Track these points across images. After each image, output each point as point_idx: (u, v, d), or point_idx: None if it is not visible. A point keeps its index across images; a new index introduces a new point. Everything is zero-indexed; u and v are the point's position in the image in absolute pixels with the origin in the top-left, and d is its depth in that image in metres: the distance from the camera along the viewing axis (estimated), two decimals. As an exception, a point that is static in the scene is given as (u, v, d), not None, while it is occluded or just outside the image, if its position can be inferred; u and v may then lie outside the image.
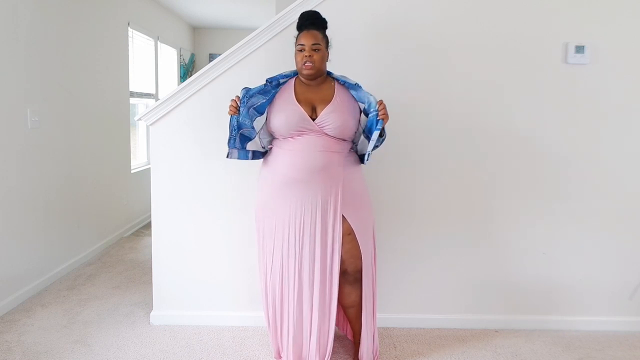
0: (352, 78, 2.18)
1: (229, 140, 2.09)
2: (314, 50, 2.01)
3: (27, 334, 2.50)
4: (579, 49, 2.46)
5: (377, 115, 1.98)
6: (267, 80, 2.09)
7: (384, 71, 2.49)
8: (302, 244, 2.04)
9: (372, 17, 2.46)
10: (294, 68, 2.16)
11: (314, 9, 2.21)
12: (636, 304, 2.64)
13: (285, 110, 2.03)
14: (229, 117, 2.07)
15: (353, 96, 2.08)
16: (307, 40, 2.01)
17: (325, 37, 2.08)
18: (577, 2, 2.47)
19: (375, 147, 2.04)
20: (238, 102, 2.05)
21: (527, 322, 2.63)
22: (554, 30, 2.48)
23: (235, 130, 2.07)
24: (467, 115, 2.52)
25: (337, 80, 2.11)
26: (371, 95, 2.05)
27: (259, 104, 2.06)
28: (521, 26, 2.48)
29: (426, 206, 2.57)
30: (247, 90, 2.08)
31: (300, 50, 2.02)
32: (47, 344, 2.40)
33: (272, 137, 2.15)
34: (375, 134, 1.98)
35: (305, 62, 2.01)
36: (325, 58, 2.07)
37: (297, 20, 2.11)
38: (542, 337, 2.55)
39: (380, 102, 2.00)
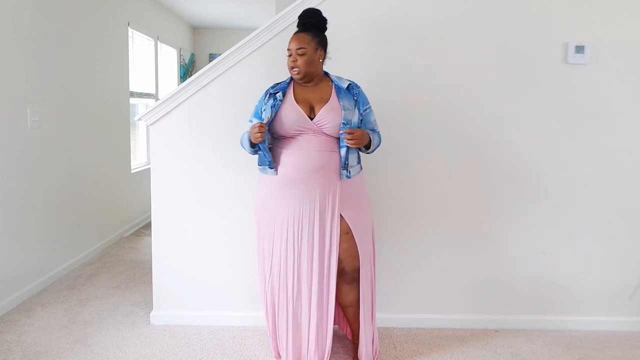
0: (352, 77, 2.18)
1: (262, 161, 2.08)
2: (299, 54, 2.01)
3: (27, 334, 2.50)
4: (579, 49, 2.46)
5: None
6: (272, 93, 2.09)
7: (384, 71, 2.49)
8: (301, 243, 2.04)
9: (372, 17, 2.46)
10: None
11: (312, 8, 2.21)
12: (636, 304, 2.64)
13: (284, 110, 2.03)
14: (247, 138, 2.06)
15: (351, 95, 2.08)
16: (292, 44, 2.03)
17: (318, 38, 2.06)
18: (577, 2, 2.47)
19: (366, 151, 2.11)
20: (265, 128, 1.99)
21: (527, 322, 2.63)
22: (554, 30, 2.48)
23: (265, 150, 2.06)
24: (467, 115, 2.52)
25: (333, 80, 2.11)
26: (354, 110, 2.06)
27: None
28: (521, 26, 2.48)
29: (426, 206, 2.57)
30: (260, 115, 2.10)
31: (289, 55, 2.04)
32: (47, 344, 2.40)
33: (273, 137, 2.15)
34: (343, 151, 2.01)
35: (292, 67, 2.03)
36: (313, 61, 2.04)
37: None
38: (542, 337, 2.55)
39: (348, 131, 1.97)
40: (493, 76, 2.50)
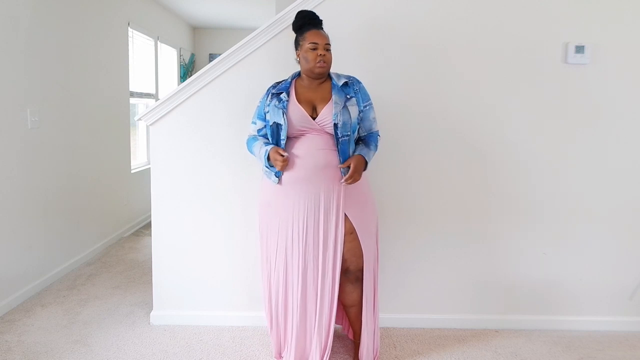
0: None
1: (272, 168, 2.08)
2: (327, 49, 2.02)
3: (27, 334, 2.50)
4: (579, 49, 2.46)
5: None
6: (274, 93, 2.08)
7: (383, 71, 2.49)
8: (306, 243, 2.04)
9: (371, 17, 2.46)
10: (291, 70, 2.16)
11: (312, 10, 2.21)
12: (636, 304, 2.64)
13: (288, 110, 2.03)
14: (264, 155, 2.06)
15: (343, 93, 2.06)
16: (320, 39, 2.02)
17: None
18: (577, 2, 2.47)
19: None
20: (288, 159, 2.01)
21: (527, 322, 2.63)
22: (554, 30, 2.48)
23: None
24: (467, 115, 2.52)
25: (332, 78, 2.11)
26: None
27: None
28: (521, 26, 2.47)
29: (426, 206, 2.57)
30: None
31: (314, 49, 2.01)
32: (47, 344, 2.40)
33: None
34: None
35: (319, 61, 2.01)
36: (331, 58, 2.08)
37: (297, 20, 2.10)
38: (542, 337, 2.55)
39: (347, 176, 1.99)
40: (493, 76, 2.50)
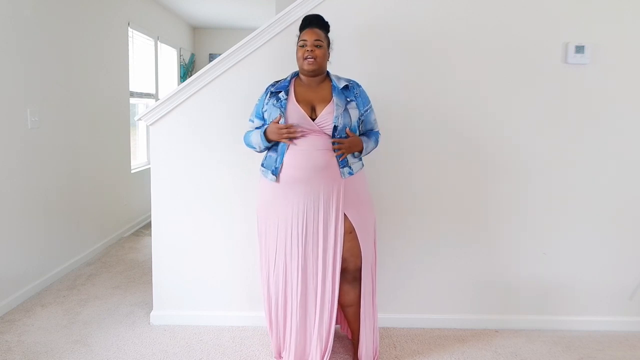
0: (349, 77, 2.18)
1: (269, 164, 2.10)
2: (316, 46, 2.02)
3: (27, 334, 2.50)
4: (579, 49, 2.46)
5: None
6: (273, 92, 2.09)
7: (382, 70, 2.48)
8: (305, 243, 2.04)
9: (371, 18, 2.46)
10: (291, 71, 2.17)
11: (312, 10, 2.22)
12: (636, 304, 2.64)
13: (286, 110, 2.03)
14: (261, 137, 2.06)
15: (344, 95, 2.07)
16: (309, 36, 2.03)
17: (327, 38, 2.10)
18: (577, 2, 2.47)
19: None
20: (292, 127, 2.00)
21: (527, 322, 2.63)
22: (554, 30, 2.48)
23: (282, 154, 2.06)
24: (467, 115, 2.52)
25: (332, 80, 2.11)
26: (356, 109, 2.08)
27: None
28: (521, 26, 2.48)
29: (426, 206, 2.57)
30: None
31: (302, 46, 2.03)
32: (47, 344, 2.40)
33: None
34: None
35: (307, 57, 2.01)
36: (326, 56, 2.08)
37: (300, 23, 2.12)
38: (542, 337, 2.55)
39: (337, 141, 2.00)
40: (493, 76, 2.50)
